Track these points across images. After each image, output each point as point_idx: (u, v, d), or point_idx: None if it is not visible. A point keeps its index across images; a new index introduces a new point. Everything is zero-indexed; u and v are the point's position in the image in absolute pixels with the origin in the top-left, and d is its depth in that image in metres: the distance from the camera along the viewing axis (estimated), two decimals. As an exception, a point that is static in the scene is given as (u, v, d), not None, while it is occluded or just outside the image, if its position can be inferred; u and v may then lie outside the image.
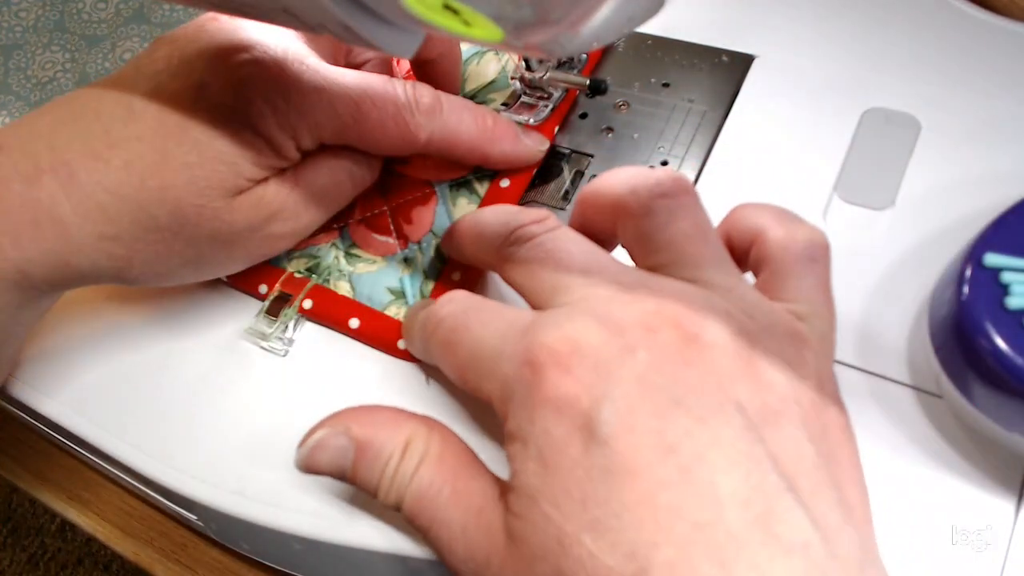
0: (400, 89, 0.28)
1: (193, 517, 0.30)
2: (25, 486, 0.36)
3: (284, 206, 0.28)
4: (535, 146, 0.31)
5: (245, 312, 0.31)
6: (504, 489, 0.22)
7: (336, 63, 0.31)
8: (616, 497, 0.18)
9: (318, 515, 0.26)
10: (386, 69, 0.34)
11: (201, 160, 0.26)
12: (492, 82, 0.34)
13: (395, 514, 0.25)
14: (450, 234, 0.28)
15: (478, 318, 0.23)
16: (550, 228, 0.24)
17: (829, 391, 0.21)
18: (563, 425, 0.19)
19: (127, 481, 0.32)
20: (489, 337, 0.22)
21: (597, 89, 0.32)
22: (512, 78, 0.34)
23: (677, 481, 0.18)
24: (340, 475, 0.23)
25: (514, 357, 0.21)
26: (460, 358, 0.23)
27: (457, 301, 0.24)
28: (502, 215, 0.25)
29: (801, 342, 0.21)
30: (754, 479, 0.18)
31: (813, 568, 0.18)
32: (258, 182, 0.27)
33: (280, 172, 0.28)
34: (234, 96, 0.26)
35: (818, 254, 0.23)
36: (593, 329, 0.20)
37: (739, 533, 0.18)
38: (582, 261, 0.23)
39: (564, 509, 0.19)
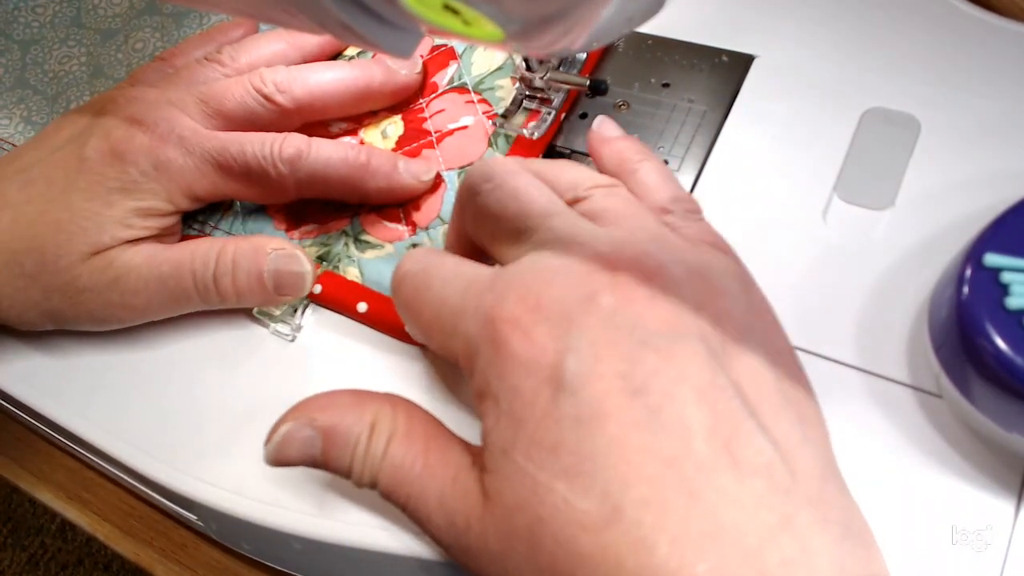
0: (266, 142, 0.30)
1: (193, 517, 0.30)
2: (25, 486, 0.36)
3: (127, 276, 0.29)
4: (414, 178, 0.32)
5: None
6: (477, 452, 0.22)
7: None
8: (587, 443, 0.19)
9: (318, 515, 0.26)
10: None
11: (72, 217, 0.29)
12: (500, 68, 0.34)
13: (395, 514, 0.25)
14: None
15: (439, 275, 0.24)
16: (511, 170, 0.25)
17: (771, 314, 0.22)
18: (531, 379, 0.20)
19: (127, 481, 0.32)
20: (451, 295, 0.23)
21: (597, 89, 0.32)
22: (512, 79, 0.34)
23: (646, 421, 0.19)
24: (311, 464, 0.23)
25: (477, 315, 0.21)
26: (424, 317, 0.24)
27: (417, 258, 0.25)
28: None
29: (736, 272, 0.23)
30: (719, 407, 0.19)
31: (775, 487, 0.18)
32: (123, 243, 0.30)
33: (138, 243, 0.30)
34: (110, 166, 0.30)
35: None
36: (555, 281, 0.21)
37: (706, 462, 0.18)
38: (541, 202, 0.24)
39: (537, 460, 0.19)
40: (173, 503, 0.30)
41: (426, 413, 0.24)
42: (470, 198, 0.25)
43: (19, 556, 1.01)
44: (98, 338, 0.32)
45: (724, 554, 0.17)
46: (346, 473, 0.23)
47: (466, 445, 0.23)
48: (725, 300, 0.21)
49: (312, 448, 0.23)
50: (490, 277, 0.22)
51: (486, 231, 0.25)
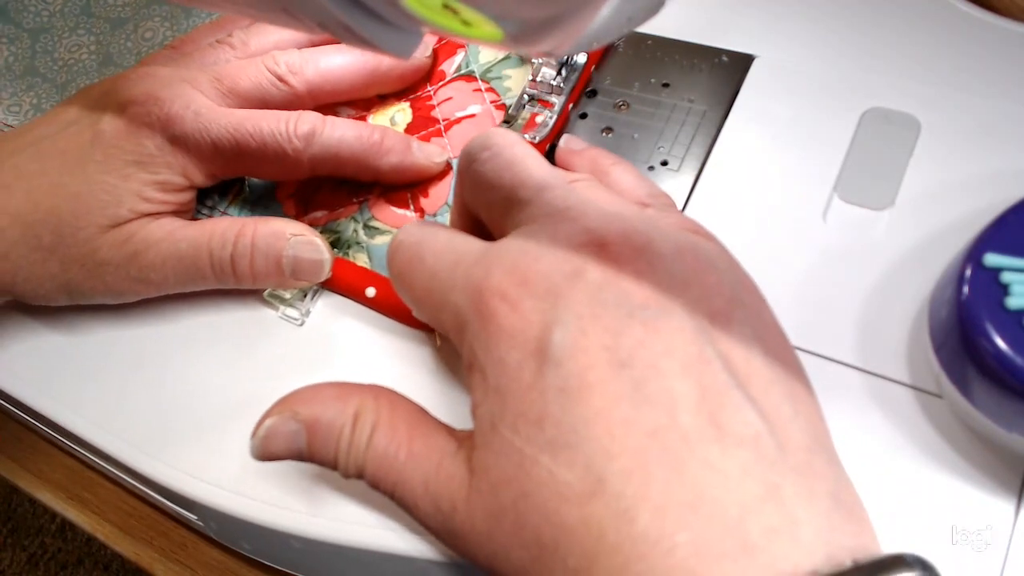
0: (282, 119, 0.31)
1: (193, 517, 0.30)
2: (25, 486, 0.36)
3: (146, 252, 0.30)
4: (429, 158, 0.32)
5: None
6: (462, 438, 0.22)
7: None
8: (571, 415, 0.19)
9: (318, 515, 0.26)
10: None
11: (89, 189, 0.29)
12: (507, 57, 0.35)
13: (395, 513, 0.25)
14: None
15: (431, 248, 0.24)
16: (511, 141, 0.25)
17: (758, 293, 0.22)
18: (517, 351, 0.20)
19: (127, 481, 0.32)
20: (442, 268, 0.23)
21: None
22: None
23: (630, 393, 0.19)
24: (297, 457, 0.24)
25: (466, 288, 0.22)
26: (416, 290, 0.24)
27: (411, 231, 0.25)
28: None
29: (722, 252, 0.23)
30: (706, 380, 0.19)
31: (762, 457, 0.18)
32: (142, 216, 0.30)
33: (157, 217, 0.30)
34: (126, 140, 0.30)
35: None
36: (544, 256, 0.21)
37: (691, 433, 0.18)
38: (538, 174, 0.24)
39: (522, 432, 0.19)
40: (173, 503, 0.30)
41: (410, 402, 0.24)
42: (468, 166, 0.25)
43: (19, 556, 1.01)
44: (95, 329, 0.32)
45: (705, 524, 0.17)
46: (332, 464, 0.23)
47: (451, 431, 0.23)
48: (713, 276, 0.21)
49: (297, 441, 0.23)
50: (480, 251, 0.23)
51: (482, 200, 0.25)
